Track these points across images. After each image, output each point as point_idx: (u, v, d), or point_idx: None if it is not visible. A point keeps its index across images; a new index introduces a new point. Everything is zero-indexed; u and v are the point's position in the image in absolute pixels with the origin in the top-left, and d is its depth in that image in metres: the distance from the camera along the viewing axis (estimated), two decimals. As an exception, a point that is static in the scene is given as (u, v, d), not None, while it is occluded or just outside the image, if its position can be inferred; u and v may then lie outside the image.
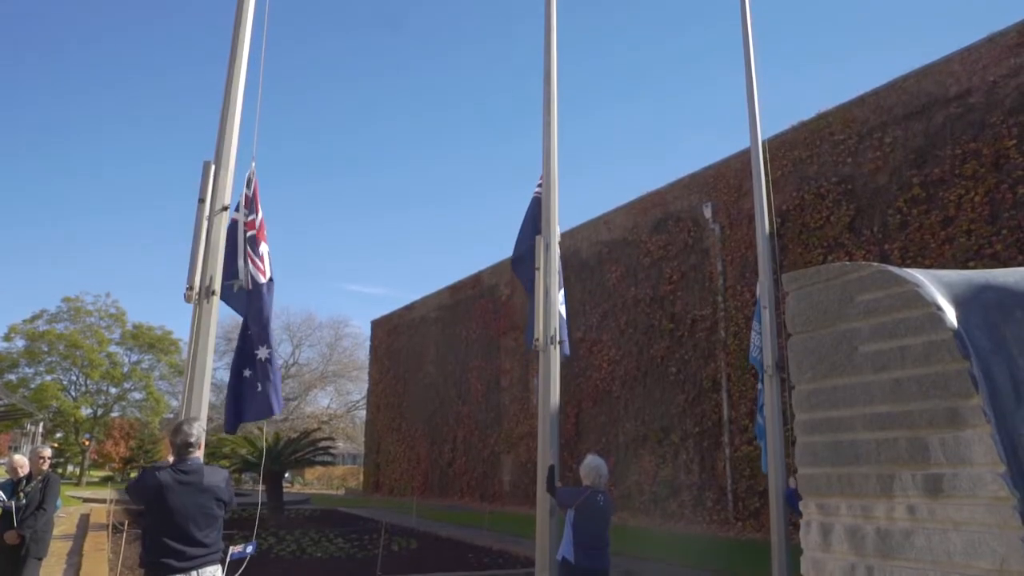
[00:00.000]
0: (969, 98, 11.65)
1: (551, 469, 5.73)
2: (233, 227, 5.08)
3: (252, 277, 5.08)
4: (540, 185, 6.63)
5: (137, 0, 74.42)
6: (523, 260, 6.54)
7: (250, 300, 5.11)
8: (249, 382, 5.09)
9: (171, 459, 4.00)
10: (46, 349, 44.78)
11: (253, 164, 5.32)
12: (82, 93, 75.69)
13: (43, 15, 70.73)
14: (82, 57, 75.90)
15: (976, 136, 11.40)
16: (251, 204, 5.20)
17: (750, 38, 8.43)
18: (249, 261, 5.10)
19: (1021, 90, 10.99)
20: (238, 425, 5.16)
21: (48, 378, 44.97)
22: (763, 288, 7.70)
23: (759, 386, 7.86)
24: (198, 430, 4.07)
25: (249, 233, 5.14)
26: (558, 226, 6.43)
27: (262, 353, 5.15)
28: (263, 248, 5.19)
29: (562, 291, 6.40)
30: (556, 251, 6.25)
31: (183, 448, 3.96)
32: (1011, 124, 10.97)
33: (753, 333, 8.00)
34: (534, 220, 6.54)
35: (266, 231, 5.31)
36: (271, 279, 5.23)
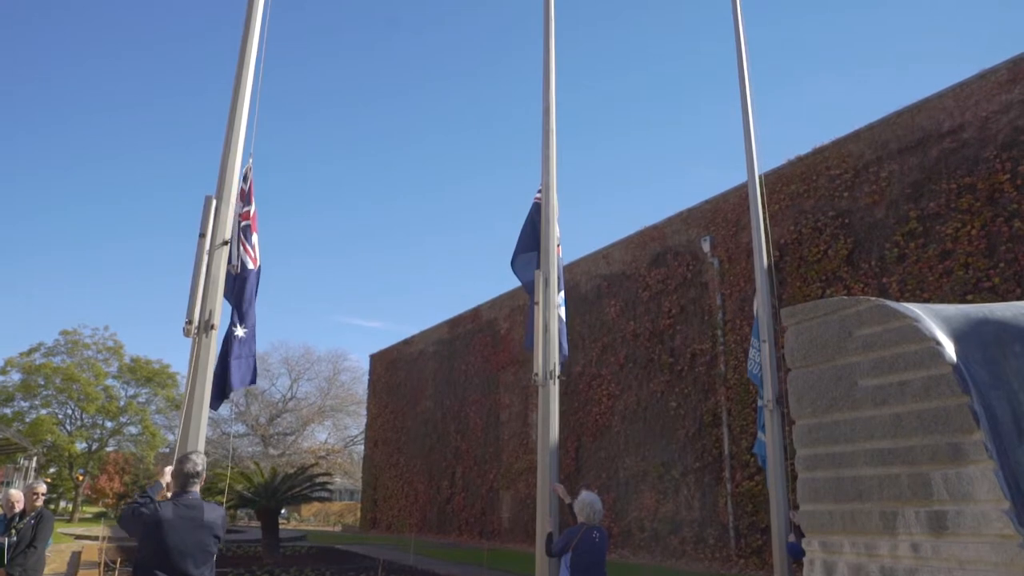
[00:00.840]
0: (963, 133, 11.79)
1: (549, 536, 5.69)
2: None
3: (243, 262, 5.39)
4: (540, 191, 6.73)
5: (133, 32, 75.49)
6: (520, 264, 6.65)
7: (235, 283, 5.40)
8: (231, 357, 5.33)
9: (167, 488, 3.96)
10: (42, 382, 44.52)
11: (250, 160, 5.51)
12: (81, 126, 76.41)
13: (38, 44, 71.63)
14: (81, 89, 76.74)
15: (971, 170, 11.51)
16: (246, 197, 5.56)
17: (746, 79, 8.55)
18: (241, 248, 5.42)
19: (1013, 125, 11.13)
20: (221, 401, 5.30)
21: (43, 412, 44.63)
22: (762, 322, 7.70)
23: (758, 402, 7.82)
24: (203, 463, 4.05)
25: (243, 223, 5.46)
26: (557, 262, 6.45)
27: (239, 331, 5.41)
28: (255, 238, 5.54)
29: (561, 292, 6.48)
30: (555, 287, 6.26)
31: (188, 478, 3.92)
32: (1004, 159, 11.09)
33: (752, 349, 7.99)
34: (534, 225, 6.65)
35: (257, 222, 5.64)
36: (259, 267, 5.56)
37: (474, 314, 25.63)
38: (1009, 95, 11.29)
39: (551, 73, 7.05)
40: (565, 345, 6.33)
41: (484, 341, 24.51)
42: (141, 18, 75.20)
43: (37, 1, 68.54)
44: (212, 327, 4.66)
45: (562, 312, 6.43)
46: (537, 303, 6.15)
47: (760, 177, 8.40)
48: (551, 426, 5.92)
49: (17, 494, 6.78)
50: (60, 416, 45.65)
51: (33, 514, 6.62)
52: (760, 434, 7.84)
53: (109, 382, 46.80)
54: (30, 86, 72.00)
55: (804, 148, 15.15)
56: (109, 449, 47.64)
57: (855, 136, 13.52)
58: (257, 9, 5.48)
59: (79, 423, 46.25)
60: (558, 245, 6.72)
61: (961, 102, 11.94)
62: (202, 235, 4.81)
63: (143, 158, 78.54)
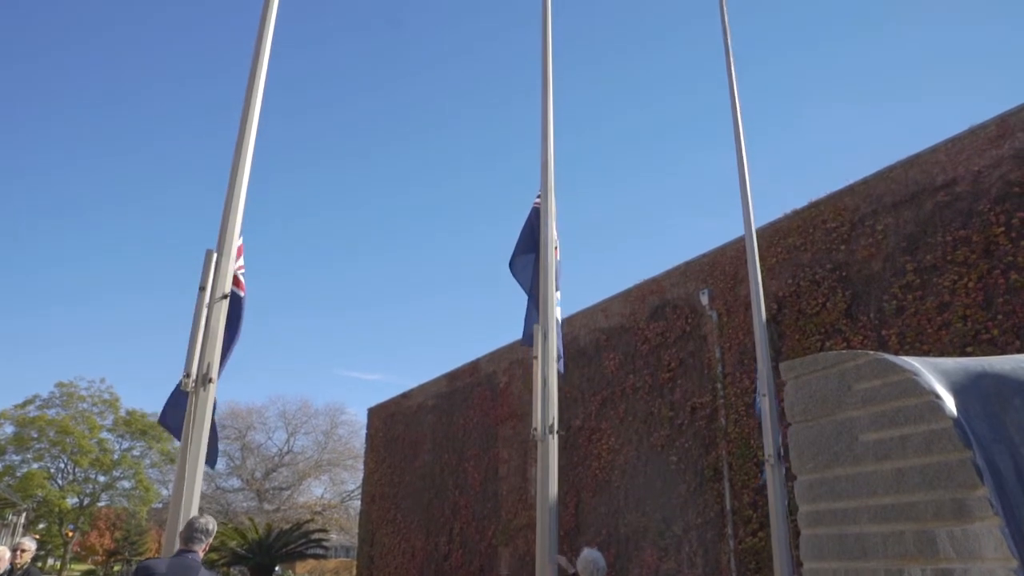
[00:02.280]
0: (956, 187, 11.95)
1: None
2: None
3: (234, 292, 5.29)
4: (539, 196, 6.80)
5: (131, 82, 76.93)
6: (518, 266, 6.72)
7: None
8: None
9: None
10: (35, 435, 44.01)
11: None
12: (80, 177, 77.21)
13: (35, 91, 72.82)
14: (79, 141, 77.73)
15: (965, 223, 11.63)
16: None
17: (741, 137, 8.72)
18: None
19: (1005, 179, 11.29)
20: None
21: (35, 466, 44.00)
22: (761, 376, 7.68)
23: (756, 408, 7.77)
24: (212, 524, 4.00)
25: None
26: (556, 313, 6.47)
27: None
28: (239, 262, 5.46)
29: (558, 292, 6.52)
30: (554, 341, 6.27)
31: (192, 536, 3.88)
32: (998, 212, 11.22)
33: (756, 396, 8.01)
34: (532, 229, 6.72)
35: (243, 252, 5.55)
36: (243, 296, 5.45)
37: (473, 367, 25.51)
38: (999, 150, 11.49)
39: (549, 126, 7.18)
40: (561, 346, 6.40)
41: (483, 395, 24.35)
42: (138, 68, 76.77)
43: (31, 50, 70.11)
44: (210, 381, 4.64)
45: (558, 313, 6.52)
46: (536, 357, 6.15)
47: (756, 230, 8.48)
48: (550, 481, 5.84)
49: (3, 551, 6.64)
50: (52, 470, 45.00)
51: (20, 572, 6.47)
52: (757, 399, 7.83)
53: (104, 435, 46.31)
54: (27, 134, 73.09)
55: (805, 188, 15.34)
56: (101, 504, 46.80)
57: (850, 190, 13.70)
58: (260, 75, 5.60)
59: (71, 477, 45.53)
60: (556, 247, 6.78)
61: (953, 156, 12.14)
62: (202, 288, 4.82)
63: (142, 210, 79.27)
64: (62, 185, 77.67)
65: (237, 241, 5.21)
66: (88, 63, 78.43)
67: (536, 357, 6.14)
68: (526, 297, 6.46)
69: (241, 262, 5.36)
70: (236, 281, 5.23)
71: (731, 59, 10.80)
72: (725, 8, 11.80)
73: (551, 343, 6.19)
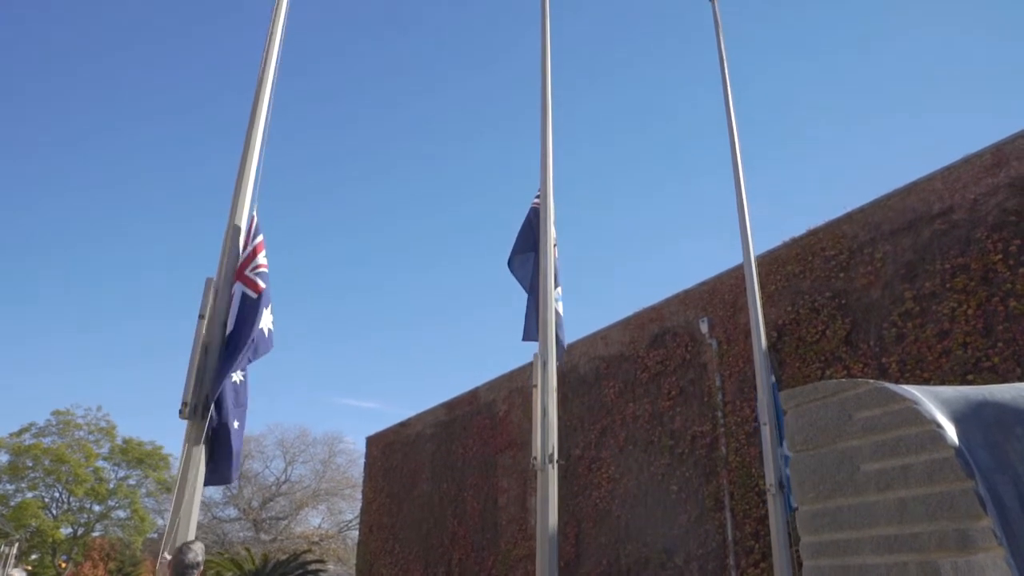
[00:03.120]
0: (953, 215, 12.02)
1: None
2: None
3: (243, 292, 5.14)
4: (538, 197, 6.86)
5: (132, 106, 77.58)
6: (517, 263, 6.77)
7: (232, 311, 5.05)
8: (232, 406, 4.82)
9: None
10: (31, 464, 43.64)
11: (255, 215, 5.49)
12: (77, 205, 77.47)
13: (27, 120, 73.31)
14: (78, 168, 78.09)
15: (963, 251, 11.67)
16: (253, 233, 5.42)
17: (739, 165, 8.78)
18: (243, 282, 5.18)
19: (1001, 207, 11.36)
20: (228, 474, 4.79)
21: (30, 495, 43.56)
22: (761, 404, 7.65)
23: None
24: (202, 553, 3.95)
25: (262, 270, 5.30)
26: (555, 341, 6.46)
27: (236, 377, 4.94)
28: (262, 258, 5.31)
29: (559, 288, 6.55)
30: (553, 369, 6.26)
31: (186, 570, 3.82)
32: (996, 240, 11.26)
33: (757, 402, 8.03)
34: (531, 229, 6.78)
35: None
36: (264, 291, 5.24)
37: (472, 396, 25.40)
38: (995, 178, 11.57)
39: (548, 125, 7.23)
40: (563, 338, 6.41)
41: (482, 423, 24.22)
42: (138, 95, 77.42)
43: (32, 73, 70.85)
44: (207, 409, 4.62)
45: (560, 307, 6.53)
46: (535, 386, 6.14)
47: (755, 258, 8.51)
48: (550, 511, 5.79)
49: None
50: (46, 499, 44.54)
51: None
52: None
53: (99, 463, 45.96)
54: (26, 164, 73.51)
55: (806, 210, 15.39)
56: (95, 534, 46.24)
57: (848, 218, 13.76)
58: (263, 105, 5.66)
59: (65, 506, 45.07)
60: (555, 244, 6.84)
61: (949, 185, 12.22)
62: (201, 316, 4.82)
63: (142, 237, 79.46)
64: (62, 211, 78.01)
65: (240, 262, 5.21)
66: (92, 85, 79.23)
67: (535, 386, 6.12)
68: (524, 321, 6.49)
69: (262, 259, 5.19)
70: (249, 282, 5.07)
71: (729, 92, 10.92)
72: (721, 35, 11.96)
73: (550, 372, 6.18)
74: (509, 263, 7.03)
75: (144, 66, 78.50)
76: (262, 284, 5.16)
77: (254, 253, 5.24)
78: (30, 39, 71.48)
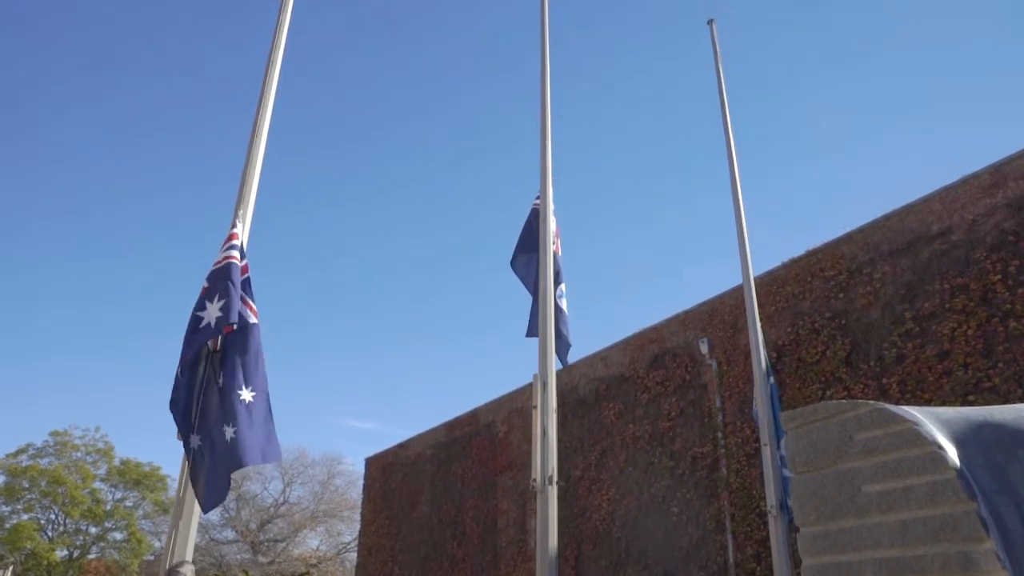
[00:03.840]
0: (951, 235, 12.05)
1: None
2: (228, 268, 5.18)
3: (243, 316, 5.06)
4: (538, 198, 6.95)
5: (124, 122, 77.95)
6: (519, 264, 6.85)
7: (236, 340, 4.97)
8: (243, 426, 4.73)
9: None
10: (27, 485, 43.35)
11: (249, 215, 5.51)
12: (76, 226, 77.51)
13: (21, 144, 73.60)
14: (75, 186, 78.24)
15: (962, 271, 11.69)
16: (241, 250, 5.39)
17: (739, 186, 8.83)
18: (243, 303, 5.12)
19: (999, 228, 11.39)
20: (223, 497, 4.70)
21: (25, 517, 43.22)
22: (762, 425, 7.63)
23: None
24: (192, 574, 3.92)
25: (244, 276, 5.26)
26: (555, 368, 6.47)
27: (245, 395, 4.84)
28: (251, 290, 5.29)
29: (563, 284, 6.62)
30: (553, 391, 6.25)
31: None
32: (994, 260, 11.29)
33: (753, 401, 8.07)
34: (532, 231, 6.88)
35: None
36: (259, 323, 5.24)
37: (471, 417, 25.31)
38: (993, 199, 11.62)
39: (547, 120, 7.28)
40: (567, 334, 6.45)
41: (482, 444, 24.10)
42: (135, 114, 77.82)
43: (29, 97, 71.35)
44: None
45: (564, 304, 6.60)
46: (535, 407, 6.13)
47: (755, 279, 8.52)
48: (550, 533, 5.75)
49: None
50: (42, 521, 44.19)
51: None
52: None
53: (97, 484, 45.62)
54: (24, 180, 73.72)
55: (798, 250, 15.42)
56: (91, 556, 45.83)
57: (847, 238, 13.80)
58: (261, 135, 5.71)
59: (62, 528, 44.71)
60: (557, 238, 6.93)
61: (947, 205, 12.26)
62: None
63: (141, 259, 79.53)
64: (59, 232, 78.14)
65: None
66: (87, 103, 79.76)
67: (535, 406, 6.11)
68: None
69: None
70: (248, 303, 5.06)
71: (727, 114, 11.01)
72: (719, 58, 12.07)
73: (550, 393, 6.17)
74: (512, 263, 7.14)
75: (141, 81, 79.10)
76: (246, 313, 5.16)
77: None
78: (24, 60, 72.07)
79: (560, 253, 6.96)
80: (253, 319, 5.11)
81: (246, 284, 5.23)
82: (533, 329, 6.42)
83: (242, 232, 5.31)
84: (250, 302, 5.17)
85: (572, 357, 7.21)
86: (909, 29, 66.19)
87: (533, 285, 6.64)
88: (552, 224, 6.80)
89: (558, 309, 6.49)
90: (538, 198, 7.01)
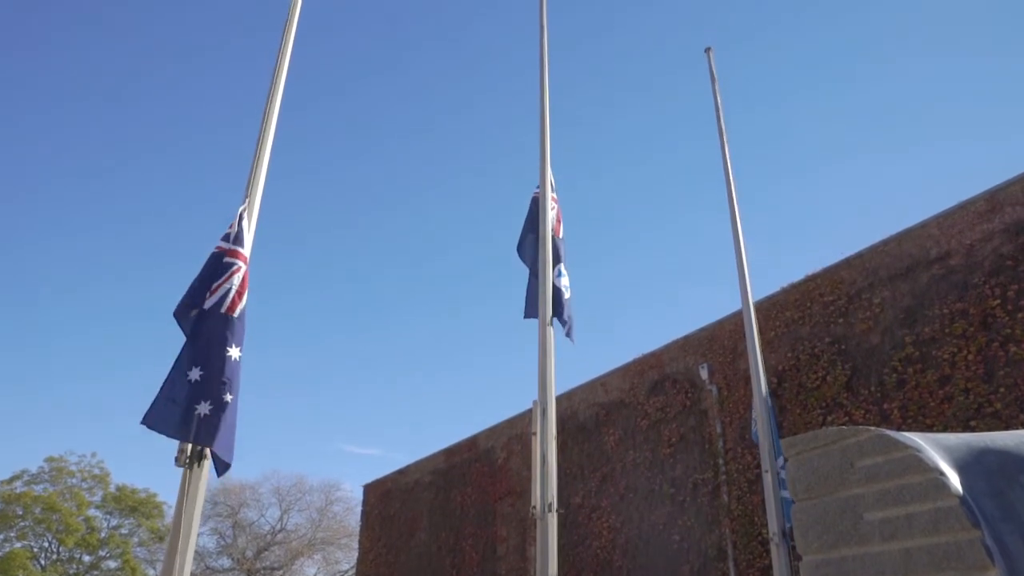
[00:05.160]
0: (950, 260, 12.08)
1: None
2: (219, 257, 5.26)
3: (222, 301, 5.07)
4: (538, 188, 7.08)
5: (127, 150, 78.36)
6: (525, 246, 7.01)
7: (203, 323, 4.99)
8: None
9: None
10: (20, 512, 42.90)
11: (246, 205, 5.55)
12: (75, 250, 77.52)
13: (32, 161, 73.86)
14: (74, 209, 78.37)
15: (961, 296, 11.70)
16: (239, 239, 5.42)
17: (736, 212, 8.86)
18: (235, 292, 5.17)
19: (997, 253, 11.42)
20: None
21: (18, 545, 42.72)
22: (763, 451, 7.58)
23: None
24: None
25: (227, 260, 5.27)
26: (555, 389, 6.44)
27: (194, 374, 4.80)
28: (236, 279, 5.24)
29: (561, 264, 6.72)
30: (552, 418, 6.22)
31: None
32: (993, 285, 11.30)
33: (752, 417, 8.05)
34: (533, 217, 7.02)
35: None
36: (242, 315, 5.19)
37: (471, 443, 25.15)
38: (990, 224, 11.67)
39: (546, 111, 7.32)
40: (570, 315, 6.60)
41: (481, 471, 23.92)
42: (137, 136, 78.25)
43: (29, 113, 71.82)
44: (205, 457, 4.57)
45: (563, 282, 6.73)
46: (534, 433, 6.10)
47: (754, 304, 8.53)
48: (550, 561, 5.68)
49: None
50: (35, 549, 43.67)
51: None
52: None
53: (92, 512, 45.16)
54: (23, 205, 73.93)
55: (797, 275, 15.44)
56: (85, 586, 45.23)
57: (846, 263, 13.83)
58: (263, 161, 5.75)
59: (55, 556, 44.17)
60: (559, 220, 7.05)
61: (945, 230, 12.31)
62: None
63: (140, 283, 79.50)
64: (57, 258, 78.20)
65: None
66: (92, 127, 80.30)
67: (535, 433, 6.08)
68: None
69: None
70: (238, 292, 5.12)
71: (725, 142, 11.09)
72: (717, 86, 12.19)
73: (549, 419, 6.14)
74: (518, 249, 7.29)
75: (141, 100, 79.72)
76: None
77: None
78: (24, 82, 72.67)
79: (561, 235, 7.17)
80: (211, 305, 5.07)
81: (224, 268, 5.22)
82: (531, 309, 6.58)
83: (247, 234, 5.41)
84: (224, 285, 5.14)
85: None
86: (908, 38, 67.01)
87: (531, 266, 6.88)
88: (551, 210, 6.99)
89: (557, 289, 6.67)
90: (537, 188, 7.24)
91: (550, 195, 7.09)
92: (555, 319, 6.56)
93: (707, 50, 12.55)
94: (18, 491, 43.34)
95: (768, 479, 7.53)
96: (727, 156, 10.62)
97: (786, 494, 7.54)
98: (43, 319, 75.84)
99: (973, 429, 10.94)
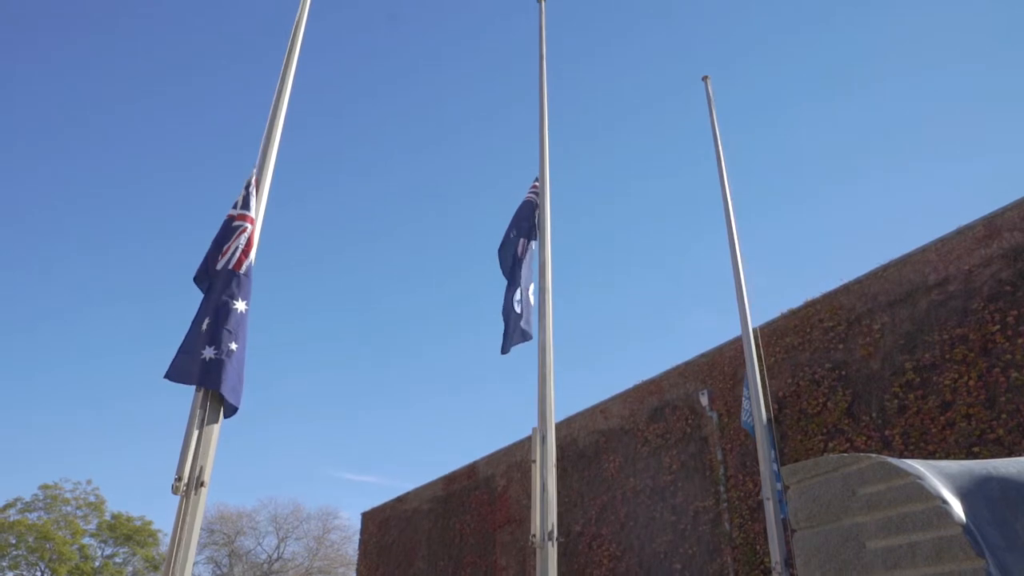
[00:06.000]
0: (948, 286, 12.08)
1: None
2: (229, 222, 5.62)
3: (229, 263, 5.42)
4: (536, 182, 7.12)
5: (137, 173, 78.77)
6: (503, 248, 7.06)
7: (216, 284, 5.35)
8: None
9: None
10: (14, 541, 42.38)
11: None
12: (72, 274, 77.57)
13: (29, 181, 74.04)
14: (71, 236, 78.44)
15: (961, 322, 11.69)
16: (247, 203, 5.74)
17: (736, 239, 8.89)
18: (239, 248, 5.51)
19: (996, 278, 11.43)
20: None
21: (10, 575, 42.14)
22: (764, 479, 7.52)
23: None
24: None
25: (235, 223, 5.61)
26: (554, 416, 6.41)
27: (239, 305, 5.24)
28: (243, 238, 5.58)
29: (533, 284, 6.73)
30: (552, 445, 6.18)
31: None
32: (992, 310, 11.30)
33: (744, 400, 8.00)
34: (518, 221, 7.05)
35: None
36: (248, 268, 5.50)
37: (470, 470, 24.95)
38: (988, 249, 11.70)
39: (544, 109, 7.33)
40: (528, 329, 6.56)
41: (480, 499, 23.71)
42: (132, 155, 78.56)
43: (26, 130, 72.24)
44: (202, 484, 4.53)
45: (531, 294, 6.78)
46: (534, 461, 6.06)
47: (755, 330, 8.52)
48: (549, 591, 5.61)
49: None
50: (29, 579, 43.07)
51: None
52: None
53: (86, 540, 44.63)
54: (20, 229, 74.00)
55: (796, 301, 15.45)
56: (77, 617, 44.53)
57: (845, 289, 13.84)
58: (267, 177, 5.79)
59: (49, 587, 43.54)
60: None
61: (943, 256, 12.34)
62: (198, 389, 4.80)
63: (136, 310, 79.40)
64: (53, 285, 78.14)
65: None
66: (85, 147, 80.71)
67: (535, 461, 6.03)
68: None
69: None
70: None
71: (724, 170, 11.16)
72: (715, 112, 12.30)
73: (549, 446, 6.10)
74: (499, 251, 7.35)
75: (140, 123, 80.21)
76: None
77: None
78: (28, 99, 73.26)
79: (534, 249, 7.20)
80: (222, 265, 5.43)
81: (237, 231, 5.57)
82: (507, 344, 6.62)
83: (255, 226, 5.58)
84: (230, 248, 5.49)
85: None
86: (910, 50, 67.70)
87: (509, 272, 6.93)
88: (549, 202, 7.07)
89: (526, 302, 6.75)
90: (536, 182, 7.30)
91: (548, 235, 7.09)
92: (524, 331, 6.65)
93: (704, 78, 12.68)
94: (11, 519, 42.85)
95: (769, 507, 7.46)
96: (726, 182, 10.68)
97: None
98: (39, 346, 75.64)
99: (976, 456, 10.87)
